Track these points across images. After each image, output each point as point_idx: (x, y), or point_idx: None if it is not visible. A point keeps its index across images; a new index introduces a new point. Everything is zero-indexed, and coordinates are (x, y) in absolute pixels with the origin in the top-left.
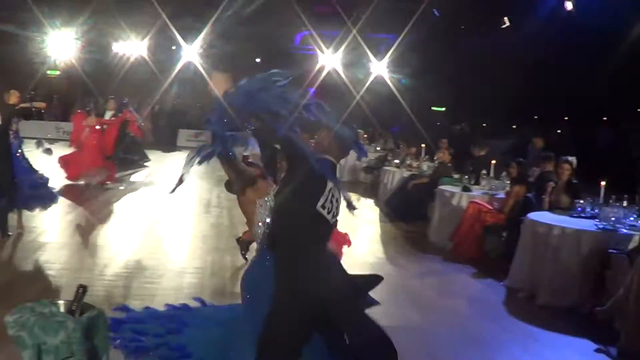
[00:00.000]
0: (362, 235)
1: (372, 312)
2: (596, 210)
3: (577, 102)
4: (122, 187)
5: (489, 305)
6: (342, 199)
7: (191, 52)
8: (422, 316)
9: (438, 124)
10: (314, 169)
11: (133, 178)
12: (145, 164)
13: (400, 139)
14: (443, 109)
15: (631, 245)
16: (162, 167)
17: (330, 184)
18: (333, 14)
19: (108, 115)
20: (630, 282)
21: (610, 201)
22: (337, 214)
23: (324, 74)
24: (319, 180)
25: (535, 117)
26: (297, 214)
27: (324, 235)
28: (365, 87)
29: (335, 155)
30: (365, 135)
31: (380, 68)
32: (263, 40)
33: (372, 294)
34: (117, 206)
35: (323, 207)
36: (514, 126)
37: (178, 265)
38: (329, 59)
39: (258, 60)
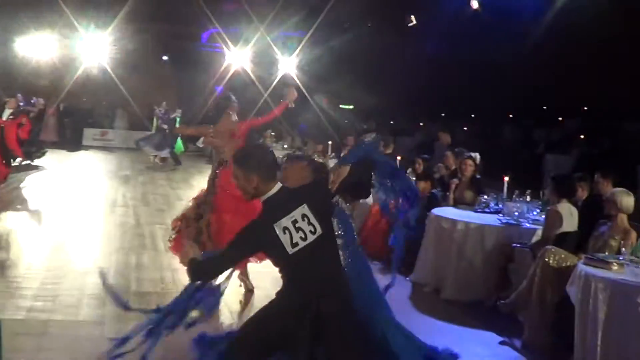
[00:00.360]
0: None
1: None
2: (500, 205)
3: (484, 99)
4: (22, 186)
5: (394, 300)
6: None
7: (99, 52)
8: None
9: (346, 121)
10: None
11: (34, 178)
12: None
13: (307, 137)
14: (351, 106)
15: (534, 239)
16: (65, 166)
17: (302, 211)
18: (240, 12)
19: (6, 114)
20: (532, 275)
21: (514, 196)
22: (300, 246)
23: (231, 72)
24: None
25: (442, 114)
26: None
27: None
28: (273, 85)
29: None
30: (273, 134)
31: (288, 66)
32: (169, 38)
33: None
34: (18, 206)
35: (284, 230)
36: (421, 124)
37: (81, 265)
38: (237, 57)
39: (165, 58)
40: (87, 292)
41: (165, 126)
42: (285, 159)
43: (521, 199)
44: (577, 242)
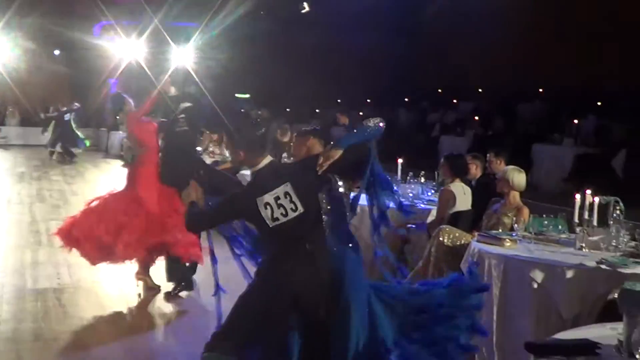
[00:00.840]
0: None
1: None
2: (395, 187)
3: (378, 84)
4: None
5: None
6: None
7: None
8: None
9: (242, 110)
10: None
11: None
12: None
13: (204, 127)
14: (247, 95)
15: (429, 219)
16: None
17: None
18: (133, 3)
19: None
20: (428, 254)
21: (408, 178)
22: (281, 221)
23: (124, 64)
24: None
25: (338, 100)
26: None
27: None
28: (167, 76)
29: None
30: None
31: (183, 57)
32: (61, 32)
33: None
34: None
35: (266, 205)
36: (317, 110)
37: None
38: (130, 49)
39: (57, 52)
40: None
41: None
42: (295, 134)
43: (415, 180)
44: (471, 221)
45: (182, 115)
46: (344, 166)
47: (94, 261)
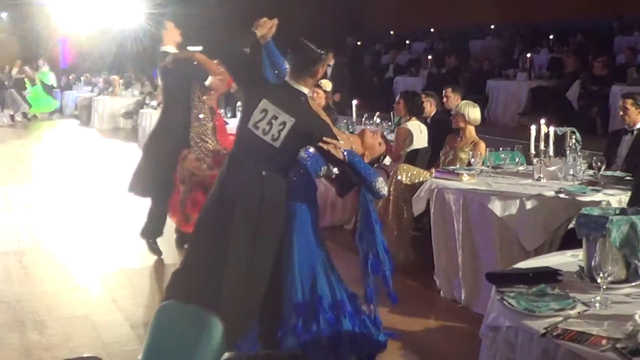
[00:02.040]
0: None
1: None
2: (350, 130)
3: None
4: None
5: None
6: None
7: None
8: None
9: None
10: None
11: None
12: None
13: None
14: (200, 47)
15: (387, 160)
16: None
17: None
18: None
19: None
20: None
21: (363, 119)
22: (278, 137)
23: (71, 22)
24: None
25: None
26: None
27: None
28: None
29: None
30: (122, 81)
31: (131, 12)
32: None
33: None
34: None
35: (256, 127)
36: None
37: None
38: (77, 7)
39: (3, 14)
40: None
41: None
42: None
43: (371, 121)
44: (429, 158)
45: None
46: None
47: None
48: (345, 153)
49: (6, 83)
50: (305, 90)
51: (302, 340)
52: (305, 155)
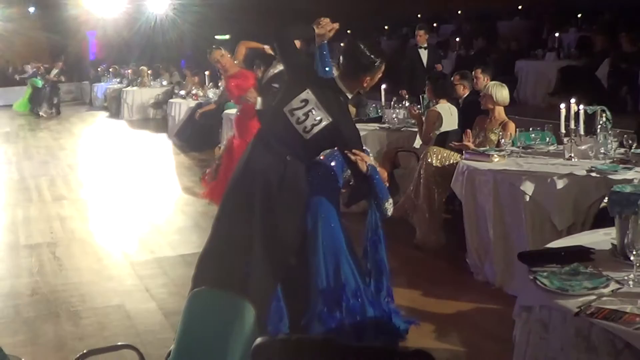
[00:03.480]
0: (158, 170)
1: None
2: (380, 114)
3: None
4: None
5: None
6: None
7: None
8: None
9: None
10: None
11: None
12: None
13: (188, 71)
14: (227, 36)
15: (416, 143)
16: None
17: (305, 95)
18: None
19: None
20: (418, 177)
21: (392, 103)
22: (311, 130)
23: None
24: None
25: None
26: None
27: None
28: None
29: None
30: (150, 71)
31: (160, 3)
32: None
33: None
34: None
35: (292, 113)
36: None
37: None
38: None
39: (32, 9)
40: None
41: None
42: None
43: (400, 105)
44: (459, 140)
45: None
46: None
47: None
48: (369, 167)
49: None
50: (349, 94)
51: (327, 326)
52: (337, 153)
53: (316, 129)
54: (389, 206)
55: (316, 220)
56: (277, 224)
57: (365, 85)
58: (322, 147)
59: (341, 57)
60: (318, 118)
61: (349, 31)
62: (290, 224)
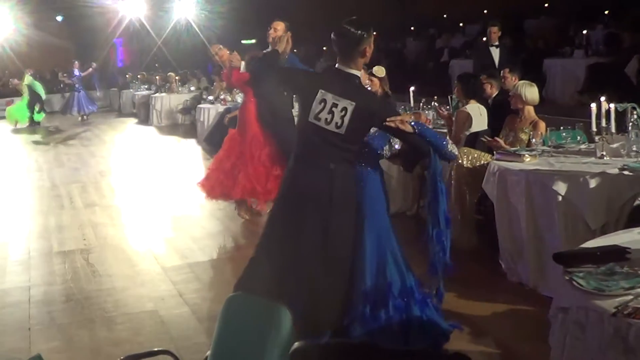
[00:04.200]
0: (188, 175)
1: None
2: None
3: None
4: None
5: None
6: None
7: None
8: None
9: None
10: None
11: None
12: None
13: (215, 75)
14: (254, 40)
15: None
16: None
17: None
18: None
19: None
20: (449, 179)
21: (421, 105)
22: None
23: (125, 22)
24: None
25: None
26: None
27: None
28: (167, 31)
29: None
30: (178, 77)
31: (185, 10)
32: None
33: None
34: None
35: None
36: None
37: (1, 234)
38: (131, 7)
39: (59, 18)
40: (10, 259)
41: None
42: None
43: (429, 106)
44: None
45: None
46: (404, 142)
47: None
48: (413, 124)
49: (77, 85)
50: (358, 72)
51: (369, 328)
52: (366, 139)
53: (347, 119)
54: (451, 147)
55: (362, 218)
56: (332, 236)
57: (367, 54)
58: (360, 132)
59: (333, 44)
60: (342, 108)
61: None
62: (346, 232)
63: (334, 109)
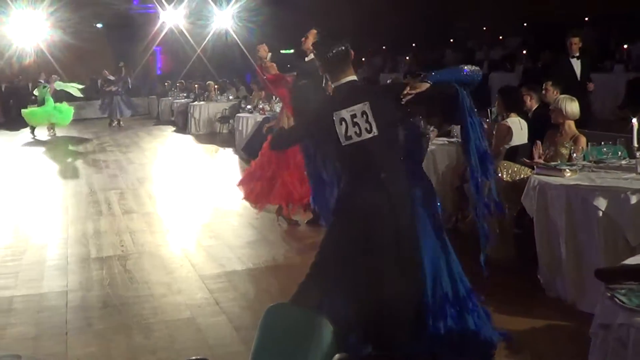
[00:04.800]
0: (226, 184)
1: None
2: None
3: (422, 27)
4: None
5: None
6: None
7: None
8: (301, 255)
9: (288, 66)
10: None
11: None
12: None
13: (254, 85)
14: (292, 50)
15: None
16: (14, 145)
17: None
18: None
19: None
20: (488, 192)
21: None
22: (353, 139)
23: (165, 30)
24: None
25: (384, 47)
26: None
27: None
28: (206, 40)
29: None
30: (217, 86)
31: (224, 19)
32: (101, 4)
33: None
34: None
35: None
36: (363, 59)
37: (40, 239)
38: (171, 16)
39: (99, 25)
40: (48, 264)
41: (115, 88)
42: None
43: None
44: (529, 154)
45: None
46: (430, 102)
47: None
48: (427, 80)
49: (119, 89)
50: (353, 76)
51: (430, 340)
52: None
53: (372, 119)
54: (469, 67)
55: (416, 230)
56: (405, 241)
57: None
58: (392, 123)
59: (323, 67)
60: (361, 113)
61: (413, 44)
62: (413, 231)
63: (355, 119)
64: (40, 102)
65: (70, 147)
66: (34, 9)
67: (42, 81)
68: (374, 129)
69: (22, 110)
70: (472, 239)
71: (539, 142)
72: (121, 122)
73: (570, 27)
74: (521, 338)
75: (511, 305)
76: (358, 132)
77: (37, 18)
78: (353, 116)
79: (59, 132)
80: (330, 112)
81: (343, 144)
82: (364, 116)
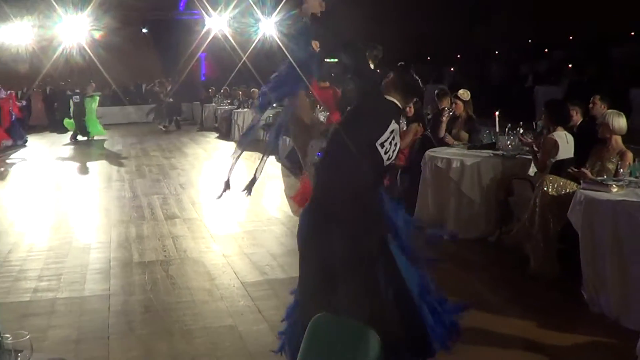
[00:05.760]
0: (268, 192)
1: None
2: (493, 140)
3: (467, 39)
4: (16, 169)
5: None
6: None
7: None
8: None
9: (332, 75)
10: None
11: (27, 161)
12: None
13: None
14: (336, 60)
15: (531, 170)
16: (57, 148)
17: (393, 126)
18: None
19: None
20: (533, 206)
21: (507, 130)
22: (393, 157)
23: (210, 36)
24: (385, 117)
25: (428, 58)
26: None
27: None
28: (252, 47)
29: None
30: (240, 92)
31: (269, 26)
32: (147, 10)
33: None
34: (14, 188)
35: (382, 145)
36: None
37: (82, 242)
38: (216, 22)
39: (145, 30)
40: (90, 267)
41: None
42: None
43: (514, 132)
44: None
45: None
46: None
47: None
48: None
49: (162, 96)
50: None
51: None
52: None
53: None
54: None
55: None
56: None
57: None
58: None
59: (397, 85)
60: (396, 139)
61: (458, 56)
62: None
63: (392, 140)
64: (82, 113)
65: (113, 151)
66: (80, 13)
67: (91, 92)
68: (388, 160)
69: (66, 120)
70: (515, 254)
71: (585, 171)
72: (171, 126)
73: (615, 40)
74: (563, 354)
75: (554, 320)
76: (387, 150)
77: (83, 22)
78: (394, 137)
79: (102, 136)
80: (390, 117)
81: (375, 143)
82: (394, 140)
